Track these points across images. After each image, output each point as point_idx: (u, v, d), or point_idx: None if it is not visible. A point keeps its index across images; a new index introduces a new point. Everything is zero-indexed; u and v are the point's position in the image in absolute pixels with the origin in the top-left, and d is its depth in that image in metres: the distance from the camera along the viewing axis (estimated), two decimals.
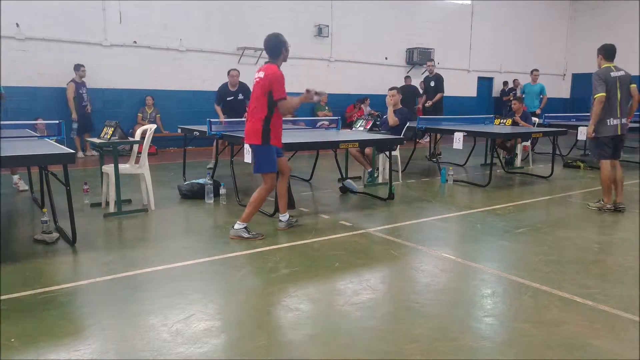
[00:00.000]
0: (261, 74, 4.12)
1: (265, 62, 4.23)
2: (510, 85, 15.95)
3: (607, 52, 5.21)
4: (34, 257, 3.77)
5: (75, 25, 9.49)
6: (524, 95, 10.80)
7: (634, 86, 5.21)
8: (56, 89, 9.19)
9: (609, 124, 5.16)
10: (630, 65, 16.23)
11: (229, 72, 7.91)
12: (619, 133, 5.19)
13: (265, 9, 11.54)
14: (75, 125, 9.26)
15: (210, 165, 8.15)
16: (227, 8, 11.10)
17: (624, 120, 5.19)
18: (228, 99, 7.80)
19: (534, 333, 2.65)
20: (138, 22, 10.15)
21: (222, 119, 7.60)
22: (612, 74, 5.11)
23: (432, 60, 10.10)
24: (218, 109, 7.79)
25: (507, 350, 2.49)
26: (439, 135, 8.78)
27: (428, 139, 10.34)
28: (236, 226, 4.24)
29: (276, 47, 4.15)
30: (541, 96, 10.69)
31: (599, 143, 5.31)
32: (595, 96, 5.10)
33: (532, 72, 11.28)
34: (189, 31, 10.76)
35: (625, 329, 2.72)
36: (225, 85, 7.88)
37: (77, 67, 9.25)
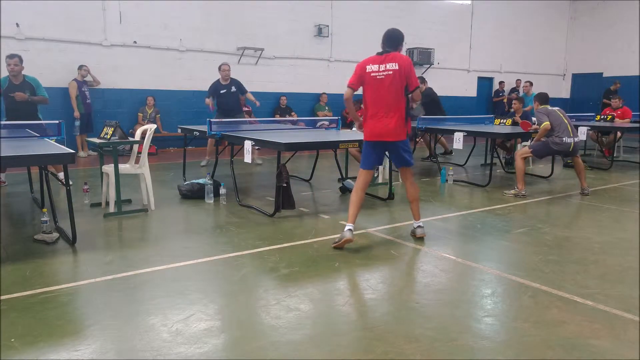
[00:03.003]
0: (394, 65, 3.92)
1: (386, 52, 4.00)
2: (512, 85, 15.95)
3: (542, 99, 6.51)
4: (34, 257, 3.76)
5: (75, 25, 9.49)
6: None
7: None
8: (56, 89, 9.18)
9: (564, 141, 6.13)
10: (630, 65, 16.30)
11: (220, 67, 8.08)
12: (571, 149, 6.21)
13: (265, 9, 11.54)
14: (77, 123, 9.31)
15: (204, 163, 8.26)
16: (227, 8, 11.10)
17: (576, 139, 6.23)
18: (222, 91, 8.00)
19: (534, 333, 2.65)
20: (138, 22, 10.15)
21: (211, 106, 7.94)
22: (550, 108, 6.32)
23: None
24: (208, 100, 7.99)
25: (507, 350, 2.49)
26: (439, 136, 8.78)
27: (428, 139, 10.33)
28: (420, 224, 4.29)
29: (400, 39, 4.07)
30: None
31: (546, 146, 6.25)
32: (543, 124, 6.19)
33: (523, 84, 11.49)
34: (189, 31, 10.75)
35: (625, 329, 2.71)
36: (217, 81, 8.09)
37: (80, 67, 9.37)
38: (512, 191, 6.23)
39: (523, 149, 6.53)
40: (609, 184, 7.21)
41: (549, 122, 6.15)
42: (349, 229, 4.00)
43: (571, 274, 3.54)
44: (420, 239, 4.31)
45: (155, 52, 10.45)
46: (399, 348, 2.49)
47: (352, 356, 2.41)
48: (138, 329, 2.65)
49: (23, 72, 6.12)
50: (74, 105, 9.24)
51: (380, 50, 4.06)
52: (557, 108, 6.41)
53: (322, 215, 5.21)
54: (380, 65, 3.97)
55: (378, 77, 3.97)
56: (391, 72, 3.95)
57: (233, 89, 8.02)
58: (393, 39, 4.07)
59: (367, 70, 3.99)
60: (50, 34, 9.28)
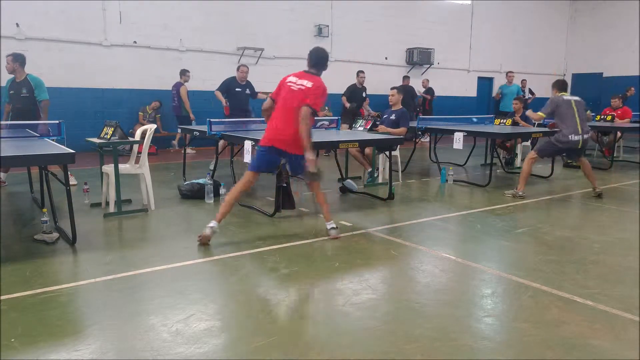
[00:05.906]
0: (308, 83, 4.10)
1: (307, 72, 4.23)
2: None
3: (560, 86, 6.17)
4: (34, 257, 3.76)
5: (75, 25, 9.49)
6: (501, 96, 10.97)
7: (588, 112, 6.30)
8: (56, 89, 9.18)
9: (571, 138, 5.83)
10: (630, 65, 16.30)
11: (238, 68, 8.13)
12: (579, 147, 5.94)
13: (265, 9, 11.54)
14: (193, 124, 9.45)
15: (212, 166, 8.23)
16: (227, 8, 11.10)
17: (585, 136, 5.90)
18: (237, 89, 8.04)
19: (534, 333, 2.65)
20: (138, 22, 10.15)
21: (224, 102, 7.97)
22: (566, 98, 5.94)
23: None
24: (219, 94, 8.05)
25: (507, 350, 2.49)
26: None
27: (428, 139, 10.34)
28: (333, 225, 4.31)
29: (324, 60, 4.27)
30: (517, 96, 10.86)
31: (552, 146, 6.01)
32: (539, 112, 6.03)
33: (507, 73, 11.45)
34: (189, 31, 10.75)
35: (625, 329, 2.71)
36: (233, 79, 8.10)
37: (184, 72, 9.77)
38: (511, 191, 6.15)
39: (530, 152, 6.23)
40: (609, 184, 7.20)
41: (544, 115, 6.02)
42: (211, 227, 4.09)
43: (571, 274, 3.54)
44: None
45: (155, 52, 10.45)
46: (399, 348, 2.49)
47: (352, 356, 2.41)
48: (138, 329, 2.65)
49: (29, 73, 6.36)
50: (188, 108, 9.60)
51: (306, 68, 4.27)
52: (575, 99, 5.98)
53: (322, 215, 5.19)
54: (298, 80, 4.16)
55: (292, 87, 4.14)
56: (303, 88, 4.11)
57: (247, 90, 8.14)
58: (320, 59, 4.25)
59: (286, 81, 4.19)
60: (50, 34, 9.28)
